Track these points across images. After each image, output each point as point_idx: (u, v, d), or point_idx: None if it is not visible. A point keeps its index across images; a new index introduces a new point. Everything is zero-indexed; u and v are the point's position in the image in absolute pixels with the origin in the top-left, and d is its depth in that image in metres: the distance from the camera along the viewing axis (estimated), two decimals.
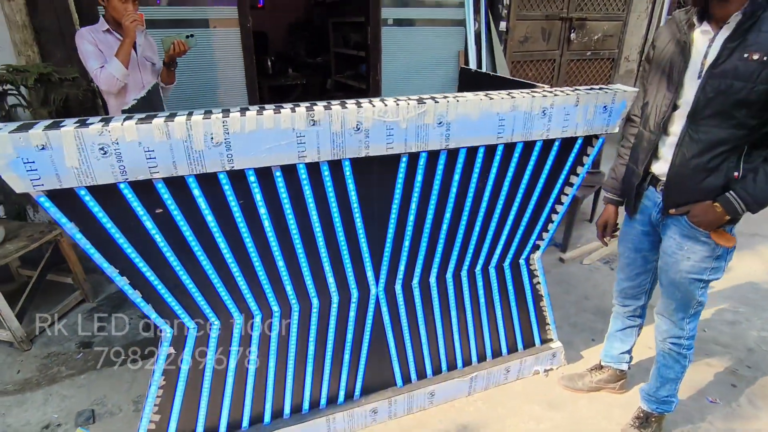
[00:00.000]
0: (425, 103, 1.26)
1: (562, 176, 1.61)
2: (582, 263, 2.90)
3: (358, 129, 1.22)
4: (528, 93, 1.39)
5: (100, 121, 1.05)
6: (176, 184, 1.16)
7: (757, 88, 1.14)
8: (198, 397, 1.47)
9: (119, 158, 1.06)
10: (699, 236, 1.33)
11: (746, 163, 1.25)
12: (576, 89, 1.47)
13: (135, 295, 1.27)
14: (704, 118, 1.24)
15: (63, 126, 1.00)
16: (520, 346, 1.92)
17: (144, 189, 1.14)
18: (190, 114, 1.11)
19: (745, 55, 1.14)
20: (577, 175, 1.63)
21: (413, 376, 1.77)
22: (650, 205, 1.46)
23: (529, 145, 1.49)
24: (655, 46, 1.37)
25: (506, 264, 1.75)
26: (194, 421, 1.49)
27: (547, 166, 1.56)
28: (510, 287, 1.79)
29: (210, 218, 1.24)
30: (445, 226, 1.53)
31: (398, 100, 1.26)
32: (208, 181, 1.18)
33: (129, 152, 1.06)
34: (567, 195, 1.66)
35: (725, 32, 1.19)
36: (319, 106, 1.19)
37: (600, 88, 1.47)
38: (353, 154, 1.25)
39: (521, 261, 1.77)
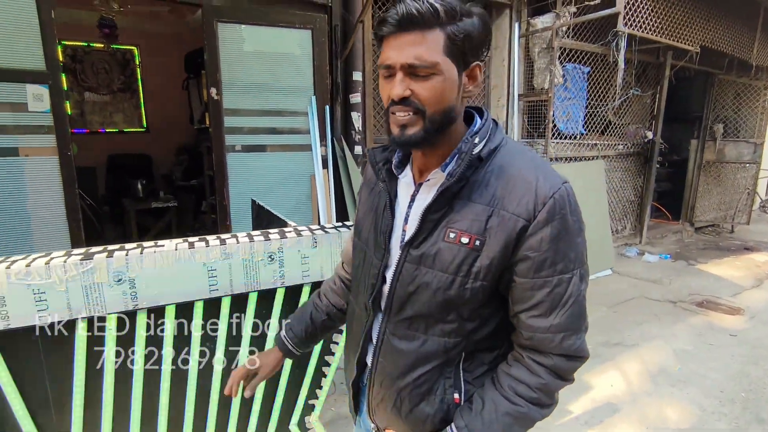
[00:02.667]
0: (92, 257, 1.05)
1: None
2: None
3: None
4: (246, 237, 1.23)
5: None
6: None
7: (469, 285, 0.80)
8: None
9: None
10: None
11: (468, 375, 0.87)
12: (313, 228, 1.33)
13: None
14: (404, 320, 0.86)
15: None
16: None
17: None
18: None
19: (452, 235, 0.79)
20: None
21: None
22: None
23: (267, 295, 1.29)
24: (365, 179, 1.02)
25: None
26: None
27: None
28: None
29: None
30: (164, 406, 1.23)
31: (55, 256, 1.04)
32: None
33: None
34: (336, 343, 1.45)
35: (425, 195, 0.85)
36: None
37: (342, 225, 1.35)
38: None
39: (292, 427, 1.47)
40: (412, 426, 0.89)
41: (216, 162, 3.28)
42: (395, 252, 0.87)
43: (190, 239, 1.20)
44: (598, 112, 4.98)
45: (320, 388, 1.46)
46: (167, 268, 1.12)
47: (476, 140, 0.79)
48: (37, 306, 1.01)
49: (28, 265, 1.00)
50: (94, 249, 1.09)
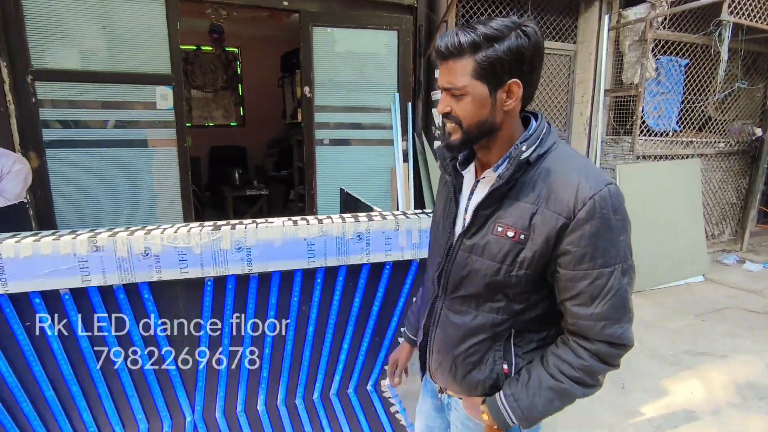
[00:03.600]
0: (220, 229, 1.30)
1: (402, 299, 1.58)
2: None
3: (147, 254, 1.25)
4: (340, 218, 1.43)
5: None
6: None
7: (514, 273, 0.91)
8: None
9: None
10: (479, 429, 1.06)
11: (519, 350, 0.98)
12: (396, 213, 1.51)
13: None
14: (458, 297, 1.00)
15: None
16: None
17: None
18: None
19: (500, 229, 0.91)
20: None
21: None
22: None
23: (355, 269, 1.49)
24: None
25: (350, 391, 1.65)
26: None
27: (381, 290, 1.54)
28: (360, 417, 1.66)
29: None
30: (267, 351, 1.48)
31: (192, 226, 1.31)
32: None
33: None
34: None
35: (481, 191, 0.97)
36: (104, 233, 1.24)
37: (421, 212, 1.51)
38: (145, 278, 1.27)
39: (369, 388, 1.66)
40: (465, 390, 1.03)
41: (306, 154, 3.59)
42: (456, 238, 1.00)
43: (294, 218, 1.43)
44: (695, 107, 4.63)
45: None
46: (276, 240, 1.35)
47: (524, 147, 0.90)
48: (180, 265, 1.29)
49: (174, 232, 1.28)
50: (220, 222, 1.36)
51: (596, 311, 0.87)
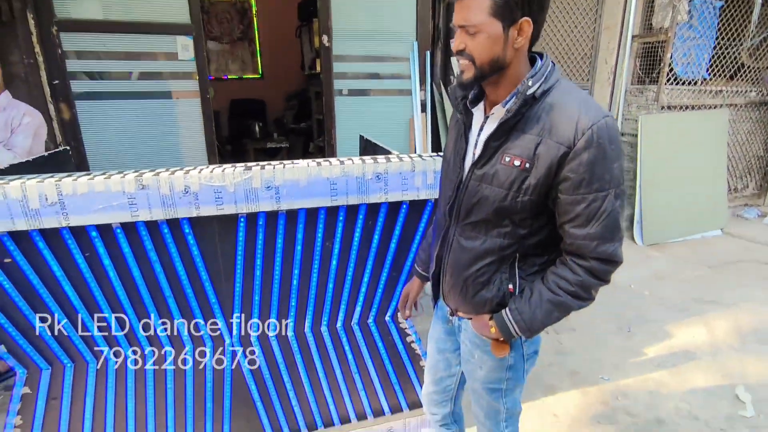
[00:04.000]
0: (251, 169, 1.42)
1: (418, 236, 1.69)
2: None
3: (187, 192, 1.38)
4: (360, 160, 1.52)
5: None
6: (21, 237, 1.33)
7: (520, 198, 1.00)
8: None
9: None
10: (486, 345, 1.19)
11: (522, 272, 1.10)
12: (412, 155, 1.59)
13: None
14: (469, 224, 1.10)
15: None
16: (404, 407, 1.92)
17: None
18: (28, 179, 1.30)
19: (507, 159, 1.00)
20: None
21: (283, 429, 1.80)
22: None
23: (374, 208, 1.60)
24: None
25: (371, 321, 1.80)
26: None
27: (398, 228, 1.65)
28: (380, 344, 1.83)
29: (56, 268, 1.39)
30: (295, 282, 1.62)
31: (226, 167, 1.43)
32: (53, 235, 1.35)
33: None
34: None
35: (490, 125, 1.05)
36: (149, 173, 1.36)
37: (436, 154, 1.59)
38: (186, 214, 1.40)
39: (387, 319, 1.82)
40: (475, 308, 1.16)
41: (325, 105, 3.64)
42: (467, 171, 1.10)
43: (318, 159, 1.53)
44: (728, 53, 4.46)
45: None
46: (301, 180, 1.46)
47: (530, 83, 0.97)
48: (216, 202, 1.42)
49: (211, 172, 1.39)
50: (251, 164, 1.46)
51: (591, 231, 0.98)
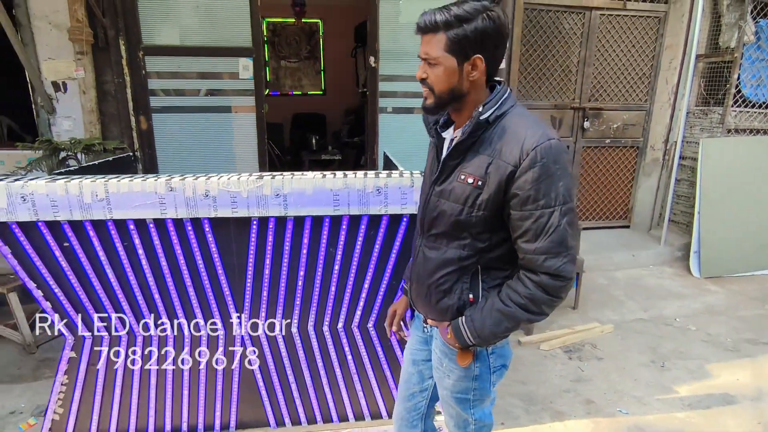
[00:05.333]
0: (263, 178, 1.60)
1: None
2: (539, 348, 2.82)
3: (207, 195, 1.60)
4: (363, 173, 1.66)
5: (30, 179, 1.57)
6: (76, 226, 1.61)
7: (474, 213, 1.08)
8: (92, 399, 1.82)
9: (33, 204, 1.54)
10: (453, 354, 1.23)
11: (485, 284, 1.16)
12: (413, 172, 1.70)
13: (47, 305, 1.71)
14: (431, 236, 1.19)
15: (0, 181, 1.53)
16: (384, 414, 1.99)
17: (53, 227, 1.61)
18: (85, 179, 1.58)
19: (462, 177, 1.09)
20: None
21: (286, 420, 1.95)
22: None
23: (375, 219, 1.72)
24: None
25: (370, 326, 1.90)
26: (89, 419, 1.84)
27: (398, 239, 1.76)
28: (378, 349, 1.92)
29: (101, 253, 1.66)
30: (300, 283, 1.78)
31: (243, 175, 1.62)
32: (100, 226, 1.62)
33: (40, 201, 1.54)
34: None
35: (448, 147, 1.15)
36: (177, 178, 1.59)
37: None
38: (205, 214, 1.62)
39: (386, 325, 1.91)
40: (439, 315, 1.23)
41: (370, 122, 3.84)
42: (429, 187, 1.20)
43: (324, 172, 1.69)
44: None
45: None
46: (307, 189, 1.62)
47: (481, 109, 1.07)
48: (232, 205, 1.62)
49: (228, 179, 1.60)
50: (264, 174, 1.65)
51: (539, 246, 1.03)
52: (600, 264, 3.99)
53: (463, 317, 1.16)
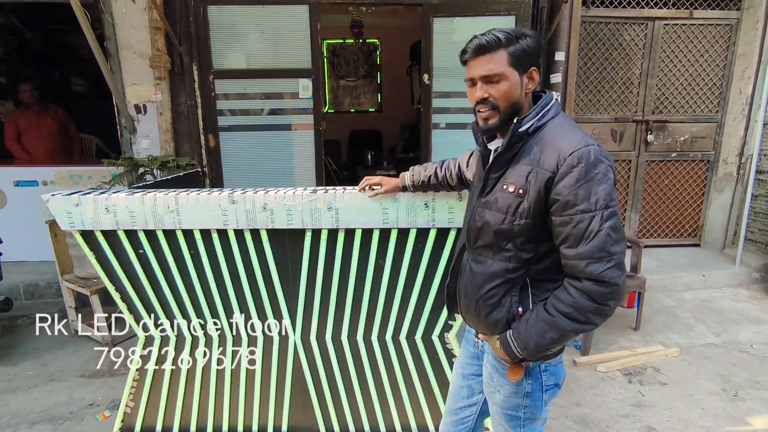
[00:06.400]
0: (317, 192, 1.70)
1: None
2: (596, 369, 2.70)
3: (265, 208, 1.71)
4: None
5: (113, 192, 1.76)
6: (150, 235, 1.79)
7: (517, 221, 1.10)
8: (159, 395, 1.98)
9: (115, 215, 1.73)
10: (504, 369, 1.23)
11: (536, 297, 1.16)
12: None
13: (122, 306, 1.89)
14: (478, 247, 1.21)
15: (89, 194, 1.73)
16: (431, 428, 1.99)
17: (131, 235, 1.79)
18: (159, 192, 1.75)
19: (504, 187, 1.13)
20: None
21: (335, 427, 2.00)
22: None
23: (422, 233, 1.76)
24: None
25: (418, 338, 1.93)
26: (156, 414, 2.00)
27: (446, 252, 1.79)
28: (426, 361, 1.94)
29: (171, 260, 1.82)
30: (351, 292, 1.85)
31: (298, 190, 1.73)
32: (171, 235, 1.78)
33: (121, 212, 1.73)
34: None
35: (491, 159, 1.19)
36: (238, 192, 1.72)
37: None
38: (263, 225, 1.74)
39: (434, 337, 1.92)
40: (489, 328, 1.23)
41: (423, 138, 3.91)
42: (471, 199, 1.26)
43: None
44: None
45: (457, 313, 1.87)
46: (357, 203, 1.70)
47: (522, 122, 1.11)
48: (287, 218, 1.73)
49: (284, 193, 1.71)
50: (318, 188, 1.75)
51: (580, 251, 1.03)
52: (666, 284, 3.75)
53: (510, 330, 1.16)
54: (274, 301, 1.88)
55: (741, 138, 3.98)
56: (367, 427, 2.00)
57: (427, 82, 3.81)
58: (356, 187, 1.71)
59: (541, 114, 1.12)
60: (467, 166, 1.50)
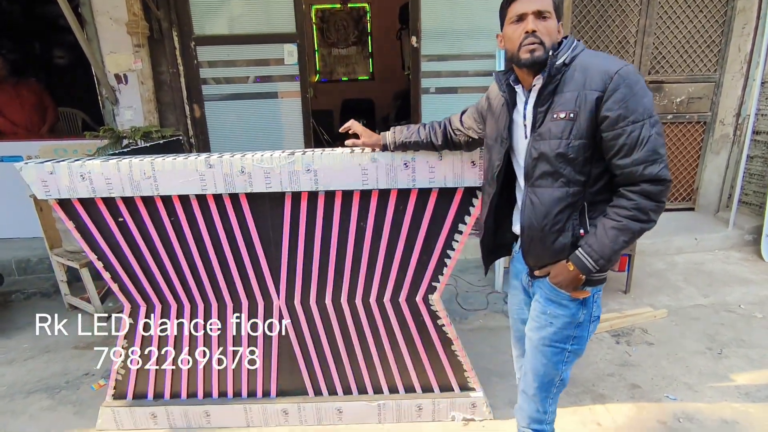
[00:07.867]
0: (294, 154, 1.66)
1: (446, 224, 1.78)
2: None
3: (243, 171, 1.68)
4: None
5: (87, 159, 1.72)
6: (129, 203, 1.76)
7: (572, 143, 1.19)
8: (147, 362, 1.99)
9: (91, 182, 1.70)
10: (561, 300, 1.32)
11: (593, 220, 1.25)
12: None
13: (107, 275, 1.88)
14: (537, 179, 1.27)
15: (62, 162, 1.69)
16: (435, 387, 2.02)
17: (109, 203, 1.76)
18: (135, 158, 1.71)
19: (554, 116, 1.20)
20: (465, 224, 1.79)
21: (323, 389, 2.03)
22: (521, 268, 1.46)
23: (403, 194, 1.74)
24: (489, 98, 1.46)
25: (401, 300, 1.92)
26: (146, 381, 2.02)
27: (427, 213, 1.76)
28: (411, 324, 1.94)
29: (151, 227, 1.80)
30: (332, 255, 1.83)
31: (274, 152, 1.69)
32: (150, 202, 1.76)
33: (96, 179, 1.69)
34: (457, 242, 1.81)
35: (533, 97, 1.27)
36: (215, 156, 1.69)
37: None
38: (242, 189, 1.71)
39: (418, 299, 1.92)
40: (555, 255, 1.29)
41: (412, 103, 3.82)
42: (517, 140, 1.33)
43: (353, 148, 1.72)
44: None
45: (442, 274, 1.87)
46: (336, 165, 1.66)
47: (558, 55, 1.20)
48: (265, 181, 1.69)
49: (261, 156, 1.67)
50: (296, 150, 1.71)
51: (636, 157, 1.14)
52: (658, 248, 3.75)
53: (580, 247, 1.24)
54: (257, 267, 1.87)
55: (738, 98, 3.91)
56: (354, 388, 2.03)
57: (415, 45, 3.70)
58: (334, 150, 1.68)
59: (572, 47, 1.22)
60: (462, 124, 1.58)
